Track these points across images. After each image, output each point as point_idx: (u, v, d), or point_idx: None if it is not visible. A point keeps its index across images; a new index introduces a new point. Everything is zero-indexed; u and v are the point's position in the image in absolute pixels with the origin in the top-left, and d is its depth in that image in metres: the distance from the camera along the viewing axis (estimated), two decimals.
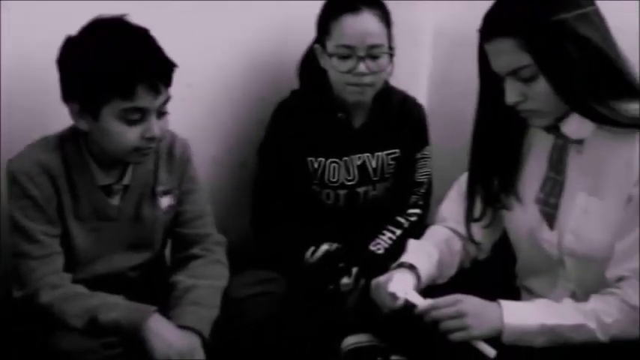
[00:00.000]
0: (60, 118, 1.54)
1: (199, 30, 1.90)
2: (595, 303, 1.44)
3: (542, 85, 1.40)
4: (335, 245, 1.86)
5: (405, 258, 1.62)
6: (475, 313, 1.43)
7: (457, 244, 1.70)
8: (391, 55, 1.85)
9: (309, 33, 1.90)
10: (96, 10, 1.49)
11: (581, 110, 1.42)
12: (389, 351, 1.81)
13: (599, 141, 1.45)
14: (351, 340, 1.85)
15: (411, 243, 1.67)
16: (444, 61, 2.30)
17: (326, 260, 1.85)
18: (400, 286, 1.53)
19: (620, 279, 1.43)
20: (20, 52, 1.64)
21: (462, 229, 1.68)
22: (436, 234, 1.71)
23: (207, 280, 1.64)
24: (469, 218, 1.65)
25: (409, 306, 1.51)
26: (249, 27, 2.02)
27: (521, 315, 1.43)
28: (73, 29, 1.48)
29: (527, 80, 1.41)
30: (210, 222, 1.74)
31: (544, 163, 1.55)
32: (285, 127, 1.93)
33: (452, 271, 1.69)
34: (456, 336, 1.43)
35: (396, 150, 1.96)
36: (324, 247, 1.86)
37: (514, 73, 1.41)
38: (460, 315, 1.43)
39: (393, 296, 1.52)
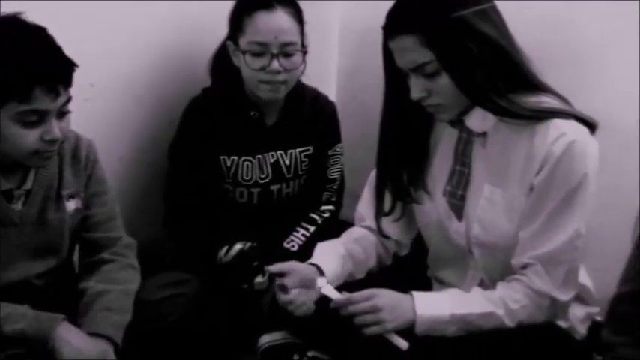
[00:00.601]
0: None
1: (102, 27, 1.84)
2: (502, 290, 1.49)
3: (444, 80, 1.43)
4: (248, 244, 1.85)
5: (310, 260, 1.63)
6: (389, 306, 1.45)
7: (372, 242, 1.71)
8: (304, 53, 1.85)
9: (220, 29, 1.88)
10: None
11: (482, 104, 1.46)
12: (305, 347, 1.82)
13: (501, 134, 1.49)
14: (266, 339, 1.85)
15: (318, 246, 1.68)
16: (351, 57, 2.32)
17: (240, 259, 1.84)
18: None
19: (525, 266, 1.48)
20: None
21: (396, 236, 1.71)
22: (349, 233, 1.73)
23: (118, 284, 1.60)
24: (379, 213, 1.67)
25: (325, 300, 1.51)
26: (156, 23, 1.97)
27: (432, 306, 1.47)
28: None
29: (431, 76, 1.44)
30: (119, 225, 1.70)
31: (451, 156, 1.58)
32: (196, 126, 1.90)
33: (367, 267, 1.70)
34: (371, 330, 1.45)
35: (309, 147, 1.97)
36: (238, 246, 1.84)
37: (417, 69, 1.44)
38: (375, 309, 1.45)
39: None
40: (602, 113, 1.50)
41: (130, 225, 1.76)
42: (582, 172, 1.42)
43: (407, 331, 1.46)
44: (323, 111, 1.98)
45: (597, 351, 1.47)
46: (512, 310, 1.46)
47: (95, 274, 1.62)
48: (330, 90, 2.28)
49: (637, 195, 1.26)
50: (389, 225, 1.71)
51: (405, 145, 1.60)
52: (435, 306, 1.47)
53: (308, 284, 1.56)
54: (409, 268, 1.75)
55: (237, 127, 1.90)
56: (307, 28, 1.87)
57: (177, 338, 1.72)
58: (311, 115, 1.96)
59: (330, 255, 1.65)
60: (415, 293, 1.49)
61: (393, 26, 1.45)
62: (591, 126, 1.47)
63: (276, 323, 1.86)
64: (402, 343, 1.44)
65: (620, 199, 1.39)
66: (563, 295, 1.47)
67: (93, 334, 1.49)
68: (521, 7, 1.73)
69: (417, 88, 1.46)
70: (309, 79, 1.96)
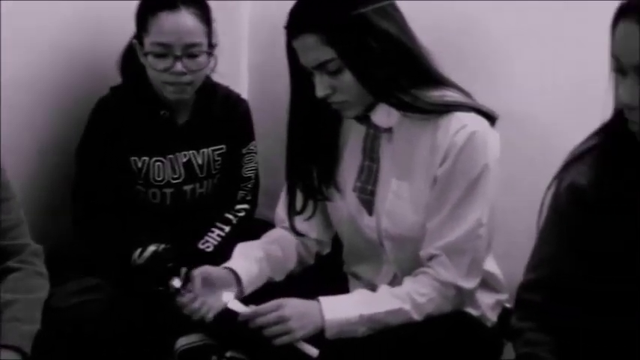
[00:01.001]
0: None
1: (5, 28, 1.77)
2: (409, 285, 1.51)
3: (348, 78, 1.45)
4: (162, 246, 1.82)
5: (226, 264, 1.62)
6: (297, 315, 1.45)
7: (291, 242, 1.71)
8: (209, 54, 1.82)
9: (130, 27, 1.84)
10: None
11: (386, 100, 1.49)
12: (223, 348, 1.81)
13: (406, 128, 1.52)
14: (183, 341, 1.82)
15: (236, 249, 1.67)
16: (262, 54, 2.31)
17: (154, 261, 1.80)
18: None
19: (431, 257, 1.51)
20: None
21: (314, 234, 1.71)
22: (269, 235, 1.72)
23: (26, 293, 1.54)
24: (291, 211, 1.68)
25: (231, 314, 1.50)
26: (61, 23, 1.92)
27: (340, 309, 1.47)
28: None
29: (334, 73, 1.45)
30: (25, 231, 1.63)
31: (359, 152, 1.60)
32: (104, 126, 1.86)
33: (286, 269, 1.70)
34: (281, 340, 1.44)
35: (222, 146, 1.95)
36: (151, 248, 1.81)
37: (321, 67, 1.45)
38: (283, 320, 1.44)
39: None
40: (508, 105, 1.54)
41: (38, 230, 1.70)
42: (483, 162, 1.46)
43: (317, 335, 1.46)
44: (235, 109, 1.97)
45: (507, 337, 1.51)
46: (419, 304, 1.48)
47: (1, 283, 1.56)
48: (242, 88, 2.26)
49: (542, 185, 1.30)
50: (305, 224, 1.71)
51: (313, 143, 1.61)
52: (343, 309, 1.48)
53: (219, 287, 1.55)
54: (330, 267, 1.75)
55: (147, 126, 1.87)
56: (217, 26, 1.85)
57: (91, 345, 1.68)
58: (223, 114, 1.94)
59: (246, 258, 1.64)
60: (322, 298, 1.49)
61: (295, 25, 1.46)
62: (492, 118, 1.51)
63: (193, 325, 1.84)
64: (312, 351, 1.45)
65: (526, 188, 1.44)
66: (468, 284, 1.51)
67: (1, 346, 1.44)
68: (426, 5, 1.76)
69: (321, 86, 1.47)
70: (221, 77, 1.95)
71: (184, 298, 1.55)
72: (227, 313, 1.51)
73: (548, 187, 1.30)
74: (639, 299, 1.19)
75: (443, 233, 1.49)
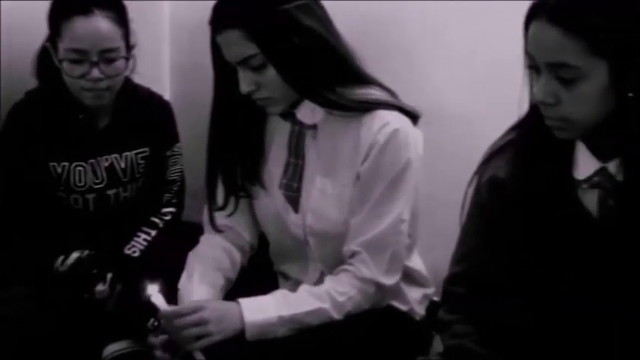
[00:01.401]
0: None
1: None
2: (329, 284, 1.52)
3: (271, 74, 1.45)
4: (86, 252, 1.78)
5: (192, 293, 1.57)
6: (216, 318, 1.43)
7: (236, 255, 1.68)
8: (127, 59, 1.78)
9: (44, 27, 1.78)
10: None
11: (309, 96, 1.49)
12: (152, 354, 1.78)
13: (330, 125, 1.53)
14: (112, 348, 1.79)
15: (196, 272, 1.60)
16: (184, 54, 2.28)
17: (78, 268, 1.77)
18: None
19: (353, 254, 1.52)
20: None
21: (238, 232, 1.68)
22: (213, 246, 1.66)
23: None
24: (211, 207, 1.66)
25: (153, 308, 1.47)
26: None
27: (259, 310, 1.46)
28: None
29: (258, 69, 1.45)
30: None
31: (285, 149, 1.60)
32: (20, 132, 1.80)
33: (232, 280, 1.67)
34: (199, 343, 1.42)
35: (145, 149, 1.92)
36: (75, 254, 1.77)
37: (244, 62, 1.45)
38: (202, 322, 1.43)
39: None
40: (431, 102, 1.56)
41: None
42: (405, 159, 1.48)
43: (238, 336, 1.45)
44: (157, 111, 1.94)
45: (435, 330, 1.53)
46: (339, 302, 1.49)
47: None
48: (164, 89, 2.23)
49: (464, 180, 1.33)
50: (228, 220, 1.68)
51: (236, 140, 1.60)
52: (262, 310, 1.47)
53: None
54: (261, 267, 1.74)
55: (65, 131, 1.82)
56: (136, 27, 1.82)
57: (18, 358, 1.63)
58: (145, 116, 1.91)
59: (213, 287, 1.59)
60: (242, 300, 1.48)
61: (219, 20, 1.45)
62: (414, 116, 1.53)
63: (122, 332, 1.81)
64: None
65: (449, 184, 1.46)
66: (389, 280, 1.52)
67: None
68: (346, 5, 1.77)
69: (245, 82, 1.47)
70: (142, 78, 1.91)
71: (156, 340, 1.48)
72: (148, 306, 1.47)
73: (470, 182, 1.33)
74: (558, 292, 1.22)
75: (364, 230, 1.51)
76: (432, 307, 1.66)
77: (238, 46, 1.43)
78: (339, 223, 1.54)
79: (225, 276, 1.63)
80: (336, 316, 1.48)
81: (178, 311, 1.45)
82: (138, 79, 1.91)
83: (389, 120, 1.48)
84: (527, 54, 1.15)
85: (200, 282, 1.56)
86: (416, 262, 1.67)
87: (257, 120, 1.61)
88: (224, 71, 1.51)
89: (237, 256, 1.67)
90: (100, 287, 1.77)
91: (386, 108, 1.49)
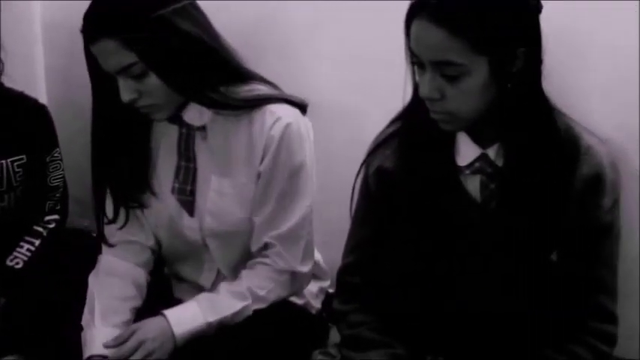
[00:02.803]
0: None
1: None
2: (248, 280, 1.53)
3: (153, 81, 1.41)
4: None
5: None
6: (152, 335, 1.44)
7: (141, 276, 1.63)
8: None
9: None
10: None
11: (194, 99, 1.47)
12: None
13: (220, 125, 1.51)
14: None
15: (99, 308, 1.55)
16: (61, 56, 2.20)
17: None
18: None
19: (266, 247, 1.53)
20: None
21: (140, 244, 1.63)
22: (120, 276, 1.60)
23: None
24: (100, 221, 1.61)
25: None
26: None
27: (186, 320, 1.47)
28: None
29: (139, 77, 1.41)
30: None
31: (174, 153, 1.57)
32: None
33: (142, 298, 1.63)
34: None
35: (22, 156, 1.82)
36: None
37: (123, 71, 1.40)
38: (141, 343, 1.43)
39: None
40: (314, 100, 1.58)
41: None
42: (301, 151, 1.49)
43: None
44: (32, 115, 1.84)
45: (332, 321, 1.55)
46: (260, 296, 1.51)
47: None
48: (40, 92, 2.13)
49: (352, 172, 1.35)
50: (125, 233, 1.63)
51: (120, 149, 1.55)
52: (189, 319, 1.48)
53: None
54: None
55: None
56: (5, 27, 1.73)
57: None
58: (19, 121, 1.81)
59: (115, 327, 1.53)
60: (167, 312, 1.48)
61: (92, 30, 1.39)
62: (302, 107, 1.54)
63: (7, 347, 1.73)
64: None
65: (338, 176, 1.48)
66: (304, 268, 1.55)
67: None
68: (225, 5, 1.76)
69: (126, 91, 1.42)
70: (14, 82, 1.83)
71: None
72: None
73: (358, 173, 1.35)
74: (444, 276, 1.26)
75: (275, 224, 1.51)
76: (327, 299, 1.67)
77: (115, 55, 1.38)
78: (241, 221, 1.53)
79: (132, 307, 1.58)
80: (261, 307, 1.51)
81: (117, 340, 1.45)
82: (10, 83, 1.82)
83: (280, 115, 1.48)
84: (411, 51, 1.18)
85: (103, 324, 1.52)
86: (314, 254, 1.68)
87: (141, 126, 1.56)
88: (102, 80, 1.45)
89: (142, 277, 1.62)
90: None
91: (273, 102, 1.49)
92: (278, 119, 1.47)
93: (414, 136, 1.27)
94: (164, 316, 1.47)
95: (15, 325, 1.69)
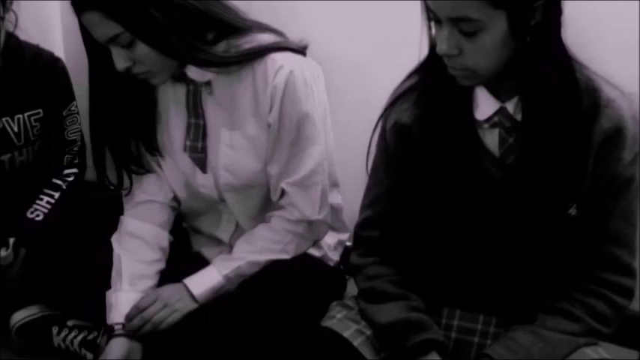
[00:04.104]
0: None
1: None
2: (264, 234, 1.55)
3: (143, 49, 1.41)
4: None
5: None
6: (175, 297, 1.51)
7: (164, 238, 1.65)
8: (4, 10, 1.66)
9: None
10: None
11: (187, 62, 1.47)
12: (64, 318, 1.75)
13: (224, 78, 1.50)
14: (20, 315, 1.76)
15: (126, 274, 1.58)
16: None
17: None
18: None
19: (282, 197, 1.54)
20: None
21: (160, 203, 1.65)
22: (141, 237, 1.62)
23: None
24: (105, 187, 1.64)
25: None
26: None
27: (203, 280, 1.52)
28: None
29: (128, 46, 1.41)
30: None
31: (183, 111, 1.56)
32: None
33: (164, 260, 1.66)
34: (172, 318, 1.49)
35: (38, 110, 1.83)
36: None
37: (112, 41, 1.40)
38: (166, 304, 1.49)
39: None
40: (323, 52, 1.56)
41: None
42: (308, 98, 1.48)
43: None
44: (48, 69, 1.84)
45: (350, 274, 1.56)
46: (277, 250, 1.54)
47: None
48: (56, 45, 2.13)
49: (367, 127, 1.35)
50: (145, 194, 1.64)
51: (121, 117, 1.55)
52: (206, 279, 1.53)
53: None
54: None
55: None
56: None
57: None
58: (35, 75, 1.81)
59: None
60: (186, 280, 1.53)
61: (78, 2, 1.39)
62: (302, 51, 1.52)
63: (29, 297, 1.76)
64: None
65: (356, 131, 1.47)
66: (319, 215, 1.55)
67: None
68: None
69: (119, 60, 1.42)
70: (30, 36, 1.82)
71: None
72: None
73: (375, 128, 1.34)
74: (467, 224, 1.26)
75: (288, 172, 1.51)
76: (345, 252, 1.68)
77: (101, 26, 1.38)
78: (256, 173, 1.54)
79: (157, 271, 1.60)
80: (285, 256, 1.55)
81: (140, 306, 1.50)
82: (25, 37, 1.81)
83: (282, 63, 1.46)
84: (427, 8, 1.16)
85: (131, 288, 1.56)
86: (336, 205, 1.68)
87: (145, 90, 1.55)
88: (96, 49, 1.45)
89: (165, 239, 1.64)
90: (2, 253, 1.72)
91: (274, 51, 1.47)
92: (280, 68, 1.46)
93: (431, 90, 1.26)
94: (183, 284, 1.52)
95: (36, 275, 1.72)
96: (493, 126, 1.23)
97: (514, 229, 1.23)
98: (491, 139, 1.24)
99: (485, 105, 1.23)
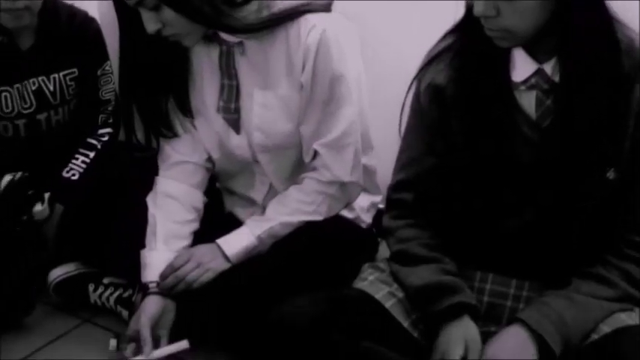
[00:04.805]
0: None
1: None
2: (295, 195, 1.55)
3: (169, 13, 1.41)
4: (19, 174, 1.73)
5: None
6: (208, 256, 1.53)
7: (199, 199, 1.65)
8: None
9: None
10: None
11: (216, 27, 1.46)
12: (100, 275, 1.78)
13: (257, 38, 1.48)
14: (57, 272, 1.78)
15: (161, 233, 1.59)
16: None
17: (11, 190, 1.71)
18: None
19: (315, 158, 1.53)
20: None
21: (195, 159, 1.65)
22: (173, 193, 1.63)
23: None
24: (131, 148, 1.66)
25: None
26: None
27: (235, 241, 1.54)
28: None
29: (155, 9, 1.41)
30: None
31: (217, 72, 1.55)
32: None
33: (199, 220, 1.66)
34: (206, 277, 1.51)
35: (74, 69, 1.84)
36: (7, 177, 1.71)
37: (140, 4, 1.40)
38: (199, 263, 1.51)
39: None
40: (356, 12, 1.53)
41: None
42: (341, 57, 1.46)
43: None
44: (83, 29, 1.85)
45: (382, 236, 1.56)
46: (309, 211, 1.54)
47: None
48: (89, 5, 2.13)
49: (405, 89, 1.33)
50: (179, 155, 1.64)
51: (157, 77, 1.55)
52: (239, 240, 1.54)
53: None
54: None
55: None
56: None
57: None
58: (70, 35, 1.82)
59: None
60: (218, 240, 1.54)
61: None
62: (328, 8, 1.49)
63: (66, 254, 1.79)
64: (183, 344, 1.50)
65: (390, 92, 1.45)
66: (352, 177, 1.55)
67: None
68: None
69: (149, 23, 1.42)
70: None
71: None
72: None
73: (408, 89, 1.32)
74: (502, 188, 1.25)
75: (321, 132, 1.51)
76: (378, 214, 1.67)
77: None
78: (289, 134, 1.53)
79: (191, 231, 1.62)
80: (317, 218, 1.56)
81: (174, 265, 1.52)
82: None
83: (314, 22, 1.44)
84: None
85: (166, 248, 1.57)
86: (369, 167, 1.67)
87: (177, 51, 1.54)
88: (127, 11, 1.44)
89: (199, 200, 1.65)
90: (38, 207, 1.74)
91: (309, 12, 1.45)
92: (313, 27, 1.44)
93: (467, 51, 1.24)
94: (217, 244, 1.54)
95: (73, 233, 1.74)
96: (530, 88, 1.21)
97: (550, 192, 1.21)
98: (528, 101, 1.22)
99: (522, 66, 1.21)
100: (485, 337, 1.22)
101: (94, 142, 1.89)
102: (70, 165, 1.85)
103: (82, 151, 1.87)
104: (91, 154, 1.87)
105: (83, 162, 1.86)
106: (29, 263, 1.74)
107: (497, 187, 1.25)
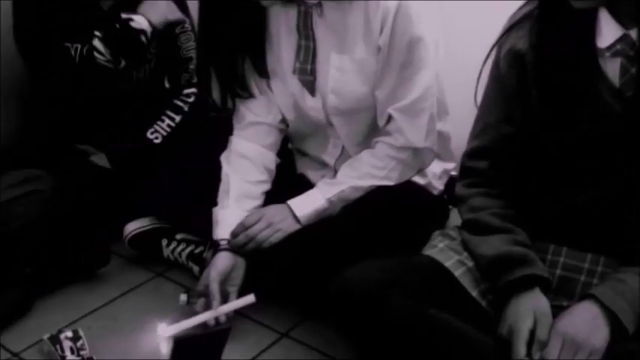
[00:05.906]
0: None
1: None
2: (368, 160, 1.55)
3: None
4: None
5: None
6: (277, 217, 1.54)
7: (271, 160, 1.67)
8: None
9: None
10: None
11: None
12: (173, 231, 1.81)
13: (334, 1, 1.47)
14: (133, 226, 1.83)
15: (234, 194, 1.61)
16: None
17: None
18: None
19: (388, 122, 1.52)
20: None
21: (269, 120, 1.65)
22: (249, 159, 1.64)
23: None
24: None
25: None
26: None
27: (306, 203, 1.55)
28: None
29: None
30: None
31: (294, 33, 1.55)
32: (32, 16, 1.74)
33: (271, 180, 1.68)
34: (275, 237, 1.53)
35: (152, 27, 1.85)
36: None
37: None
38: (269, 224, 1.52)
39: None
40: None
41: None
42: (420, 21, 1.44)
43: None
44: None
45: (453, 204, 1.54)
46: (379, 176, 1.54)
47: None
48: None
49: (483, 54, 1.29)
50: (253, 116, 1.65)
51: (235, 38, 1.55)
52: (310, 202, 1.55)
53: None
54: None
55: (72, 13, 1.75)
56: None
57: (33, 238, 1.66)
58: None
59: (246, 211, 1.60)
60: (289, 202, 1.55)
61: None
62: None
63: (142, 209, 1.83)
64: (249, 299, 1.52)
65: (468, 60, 1.42)
66: (425, 143, 1.54)
67: None
68: None
69: None
70: None
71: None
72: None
73: (487, 56, 1.28)
74: (581, 159, 1.21)
75: (397, 96, 1.49)
76: (450, 182, 1.65)
77: None
78: (364, 97, 1.52)
79: (263, 191, 1.63)
80: (387, 183, 1.55)
81: (245, 223, 1.54)
82: None
83: None
84: None
85: (237, 206, 1.59)
86: (444, 134, 1.65)
87: (256, 11, 1.54)
88: None
89: (272, 160, 1.66)
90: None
91: None
92: None
93: (550, 16, 1.19)
94: (287, 205, 1.54)
95: (148, 189, 1.78)
96: (615, 54, 1.15)
97: (631, 164, 1.16)
98: (612, 69, 1.16)
99: (607, 31, 1.15)
100: (557, 311, 1.19)
101: (180, 104, 1.92)
102: (155, 127, 1.88)
103: (168, 113, 1.90)
104: (177, 118, 1.90)
105: (169, 126, 1.88)
106: (101, 215, 1.79)
107: (574, 158, 1.21)
